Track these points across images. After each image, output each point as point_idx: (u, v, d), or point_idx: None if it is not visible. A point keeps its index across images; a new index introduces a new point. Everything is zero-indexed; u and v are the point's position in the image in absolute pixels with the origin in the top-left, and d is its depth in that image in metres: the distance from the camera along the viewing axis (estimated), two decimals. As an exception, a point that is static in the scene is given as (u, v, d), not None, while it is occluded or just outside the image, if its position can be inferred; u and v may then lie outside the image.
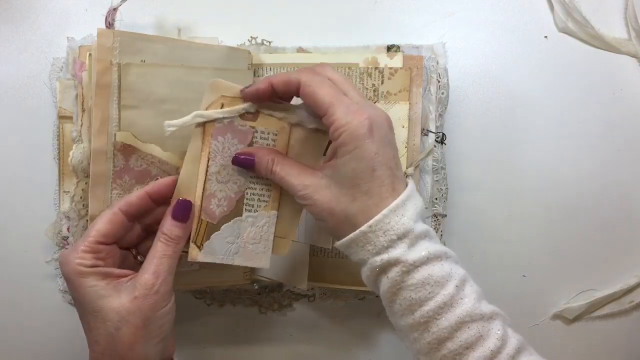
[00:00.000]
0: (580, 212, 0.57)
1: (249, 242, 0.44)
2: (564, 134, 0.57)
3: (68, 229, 0.51)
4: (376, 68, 0.52)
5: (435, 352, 0.36)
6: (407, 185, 0.39)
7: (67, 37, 0.53)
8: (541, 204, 0.57)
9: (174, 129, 0.43)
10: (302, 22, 0.57)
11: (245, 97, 0.42)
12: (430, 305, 0.36)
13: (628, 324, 0.57)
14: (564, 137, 0.57)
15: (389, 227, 0.37)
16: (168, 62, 0.47)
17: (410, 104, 0.51)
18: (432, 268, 0.36)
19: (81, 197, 0.47)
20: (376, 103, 0.52)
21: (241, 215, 0.44)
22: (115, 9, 0.50)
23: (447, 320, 0.36)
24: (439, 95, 0.53)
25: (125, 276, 0.40)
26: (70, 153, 0.48)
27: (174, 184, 0.42)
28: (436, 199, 0.54)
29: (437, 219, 0.54)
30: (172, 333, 0.44)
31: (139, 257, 0.45)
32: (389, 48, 0.53)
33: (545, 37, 0.57)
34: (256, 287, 0.56)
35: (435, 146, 0.53)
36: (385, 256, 0.37)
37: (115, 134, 0.46)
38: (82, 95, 0.47)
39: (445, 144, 0.54)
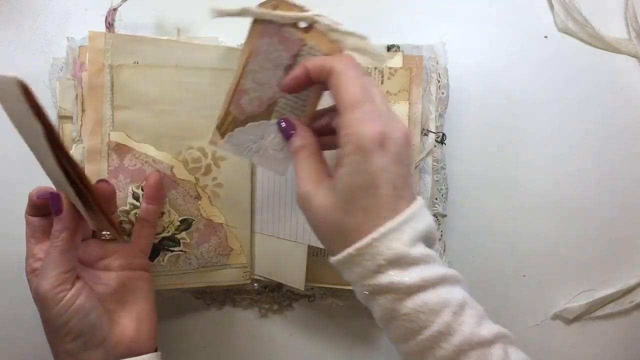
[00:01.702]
0: (580, 212, 0.57)
1: (271, 147, 0.43)
2: (564, 133, 0.57)
3: (68, 229, 0.51)
4: (376, 68, 0.52)
5: None
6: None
7: (67, 38, 0.53)
8: (541, 203, 0.57)
9: (219, 16, 0.41)
10: (302, 22, 0.57)
11: (282, 88, 0.41)
12: (426, 334, 0.34)
13: (628, 324, 0.57)
14: (564, 137, 0.57)
15: (377, 251, 0.34)
16: (161, 62, 0.48)
17: (409, 103, 0.51)
18: (427, 295, 0.34)
19: (81, 197, 0.47)
20: (376, 103, 0.52)
21: (269, 120, 0.43)
22: (115, 9, 0.50)
23: (444, 350, 0.33)
24: (439, 95, 0.53)
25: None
26: (70, 153, 0.48)
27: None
28: (436, 199, 0.54)
29: (437, 219, 0.54)
30: (105, 331, 0.42)
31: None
32: (389, 48, 0.53)
33: (545, 37, 0.57)
34: (256, 287, 0.56)
35: (435, 146, 0.53)
36: (374, 282, 0.34)
37: (109, 134, 0.47)
38: (82, 95, 0.47)
39: (445, 144, 0.54)
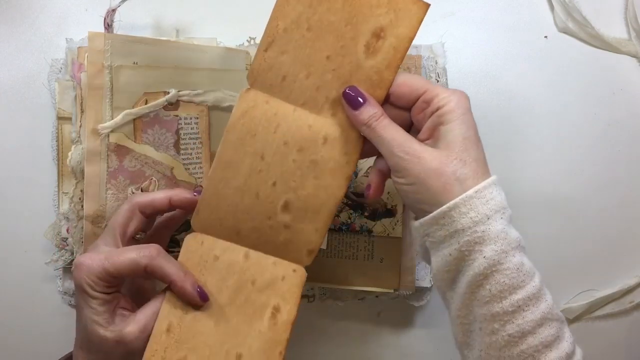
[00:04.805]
0: (580, 212, 0.57)
1: None
2: (564, 133, 0.57)
3: (67, 230, 0.51)
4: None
5: (513, 347, 0.35)
6: None
7: (66, 39, 0.53)
8: (541, 203, 0.57)
9: (107, 131, 0.46)
10: (301, 22, 0.57)
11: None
12: (521, 294, 0.34)
13: (628, 324, 0.57)
14: (563, 137, 0.57)
15: (492, 196, 0.35)
16: (161, 63, 0.48)
17: (409, 104, 0.51)
18: (524, 256, 0.36)
19: (80, 198, 0.47)
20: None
21: None
22: (114, 10, 0.50)
23: (533, 313, 0.34)
24: (438, 95, 0.53)
25: (127, 309, 0.40)
26: (69, 154, 0.48)
27: (195, 204, 0.41)
28: (436, 199, 0.54)
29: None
30: None
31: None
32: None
33: (545, 37, 0.57)
34: (256, 287, 0.56)
35: (434, 146, 0.53)
36: (486, 226, 0.35)
37: (108, 135, 0.47)
38: (81, 96, 0.47)
39: (444, 144, 0.54)
